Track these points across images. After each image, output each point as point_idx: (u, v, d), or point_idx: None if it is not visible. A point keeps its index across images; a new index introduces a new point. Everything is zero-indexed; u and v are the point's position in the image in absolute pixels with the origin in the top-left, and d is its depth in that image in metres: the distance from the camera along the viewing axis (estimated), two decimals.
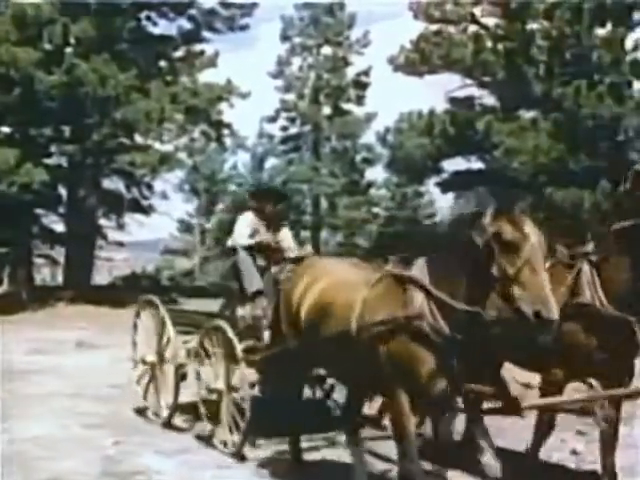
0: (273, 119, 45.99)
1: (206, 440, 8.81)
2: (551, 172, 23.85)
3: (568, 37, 23.50)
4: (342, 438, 8.30)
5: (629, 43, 24.04)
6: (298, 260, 8.77)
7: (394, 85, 60.23)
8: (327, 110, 45.12)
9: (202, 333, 8.96)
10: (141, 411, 10.31)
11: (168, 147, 30.73)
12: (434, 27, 28.67)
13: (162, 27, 31.74)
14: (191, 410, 9.66)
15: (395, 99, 53.63)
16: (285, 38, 45.89)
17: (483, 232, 5.48)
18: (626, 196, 20.86)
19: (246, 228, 9.32)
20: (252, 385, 8.51)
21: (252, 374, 8.47)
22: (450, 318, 5.75)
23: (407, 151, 29.52)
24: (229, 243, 9.49)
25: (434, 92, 53.33)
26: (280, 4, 45.43)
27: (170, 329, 9.70)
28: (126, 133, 29.12)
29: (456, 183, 29.97)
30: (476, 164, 28.78)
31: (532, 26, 25.30)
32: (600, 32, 23.90)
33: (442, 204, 48.97)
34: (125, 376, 11.17)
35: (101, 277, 38.58)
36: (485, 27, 27.26)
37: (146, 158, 28.46)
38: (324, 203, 45.27)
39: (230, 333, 8.44)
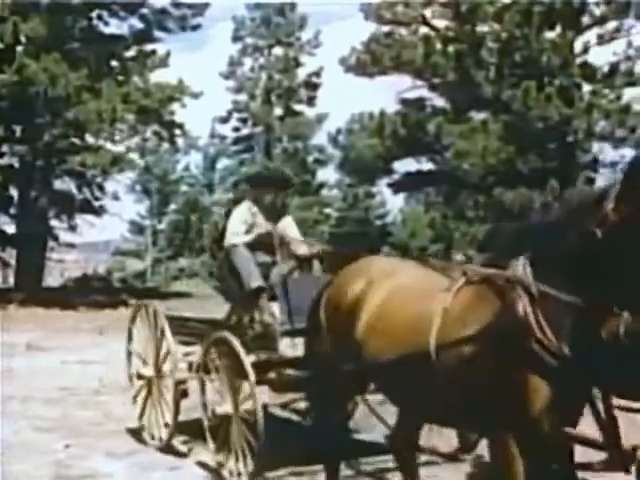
0: (225, 120, 46.07)
1: (212, 470, 7.83)
2: (501, 173, 24.09)
3: (518, 40, 23.68)
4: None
5: (578, 46, 24.43)
6: (309, 258, 8.35)
7: (345, 86, 60.23)
8: (279, 111, 45.29)
9: (206, 345, 8.00)
10: (135, 432, 9.31)
11: (120, 147, 30.58)
12: (385, 28, 28.80)
13: (113, 26, 31.40)
14: (192, 430, 8.66)
15: (346, 100, 53.79)
16: (237, 38, 46.01)
17: (604, 221, 4.29)
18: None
19: (241, 225, 8.31)
20: (264, 407, 7.56)
21: (267, 392, 7.85)
22: (561, 334, 4.52)
23: (358, 152, 29.65)
24: (225, 244, 8.34)
25: (385, 93, 53.62)
26: (232, 4, 45.49)
27: (170, 339, 8.67)
28: (77, 133, 28.92)
29: (407, 184, 30.08)
30: (427, 165, 28.90)
31: (482, 28, 25.46)
32: (549, 35, 24.11)
33: (393, 205, 49.33)
34: (75, 378, 11.11)
35: (53, 279, 38.19)
36: (435, 29, 27.39)
37: (97, 159, 28.28)
38: None
39: (237, 346, 7.48)
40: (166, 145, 34.44)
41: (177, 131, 31.95)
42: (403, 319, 5.40)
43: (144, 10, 31.35)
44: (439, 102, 28.16)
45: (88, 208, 31.51)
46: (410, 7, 28.02)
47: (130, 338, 9.52)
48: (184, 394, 8.57)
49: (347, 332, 5.82)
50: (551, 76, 23.64)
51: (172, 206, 50.96)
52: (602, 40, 24.36)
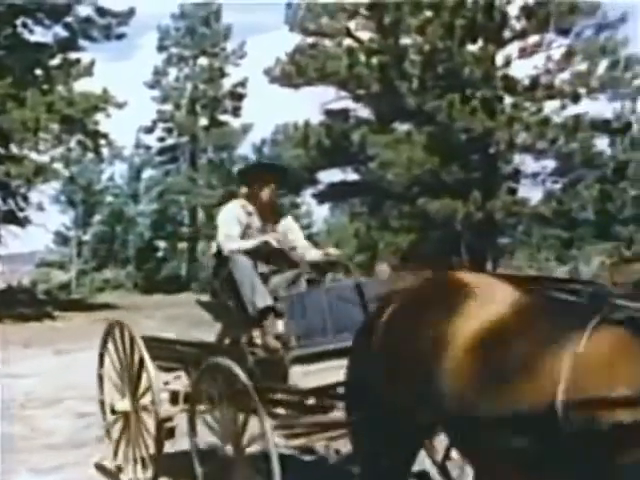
0: (150, 130, 45.74)
1: None
2: (425, 183, 24.33)
3: (440, 52, 23.96)
4: None
5: (500, 59, 24.78)
6: (328, 266, 7.17)
7: (270, 97, 60.28)
8: (204, 121, 45.15)
9: (197, 375, 6.80)
10: (109, 472, 7.96)
11: (44, 157, 30.10)
12: (310, 40, 28.90)
13: (38, 34, 30.99)
14: (178, 470, 7.27)
15: (271, 111, 53.90)
16: (162, 48, 45.75)
17: None
18: None
19: (235, 226, 6.94)
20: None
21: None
22: None
23: (283, 162, 29.70)
24: (213, 249, 7.12)
25: (310, 104, 53.82)
26: (157, 14, 45.27)
27: (150, 367, 7.33)
28: (1, 143, 28.50)
29: (332, 194, 30.21)
30: (351, 175, 29.07)
31: (405, 41, 25.74)
32: (472, 48, 24.45)
33: (319, 215, 49.48)
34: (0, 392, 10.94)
35: None
36: (360, 41, 27.61)
37: (21, 169, 27.86)
38: (201, 214, 45.12)
39: (241, 375, 6.20)
40: (91, 155, 34.01)
41: (102, 141, 31.55)
42: (510, 362, 4.01)
43: (69, 18, 30.96)
44: (363, 113, 28.41)
45: (12, 219, 31.00)
46: (334, 19, 28.18)
47: (101, 362, 8.21)
48: (170, 434, 7.32)
49: (422, 371, 4.38)
50: (474, 88, 23.95)
51: (97, 217, 50.40)
52: (523, 54, 24.75)
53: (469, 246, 24.37)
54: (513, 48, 24.86)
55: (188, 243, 45.18)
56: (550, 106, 24.54)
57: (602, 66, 24.18)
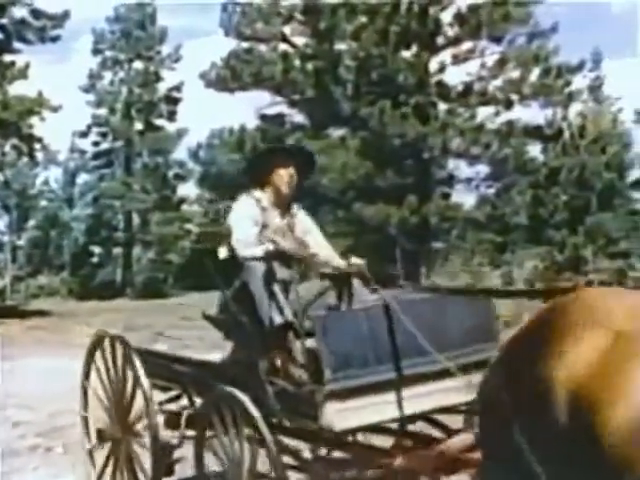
0: (85, 134, 45.21)
1: None
2: (360, 188, 24.39)
3: (374, 58, 24.02)
4: None
5: (433, 66, 24.95)
6: (346, 277, 5.81)
7: (206, 101, 60.17)
8: (139, 125, 44.69)
9: (205, 404, 5.78)
10: None
11: None
12: (245, 45, 28.83)
13: None
14: None
15: (207, 115, 53.68)
16: (96, 51, 45.23)
17: None
18: None
19: (250, 228, 5.81)
20: None
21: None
22: None
23: (219, 167, 29.67)
24: (222, 254, 5.94)
25: (245, 109, 53.65)
26: (93, 17, 44.84)
27: (146, 385, 6.20)
28: None
29: None
30: None
31: (340, 46, 25.75)
32: (406, 54, 24.57)
33: None
34: None
35: None
36: (295, 46, 27.61)
37: None
38: (136, 219, 44.68)
39: (258, 420, 5.10)
40: (25, 159, 33.70)
41: (36, 145, 31.20)
42: None
43: (3, 20, 30.59)
44: (298, 118, 28.38)
45: None
46: (269, 24, 28.13)
47: (87, 378, 7.07)
48: (169, 470, 6.23)
49: (580, 421, 3.14)
50: (408, 94, 24.06)
51: (31, 222, 49.80)
52: (456, 60, 24.96)
53: (404, 250, 24.45)
54: (447, 55, 25.11)
55: (123, 248, 44.67)
56: (484, 112, 24.85)
57: (534, 73, 24.50)
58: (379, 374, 5.07)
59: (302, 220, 6.14)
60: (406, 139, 23.52)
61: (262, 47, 28.69)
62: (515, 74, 24.47)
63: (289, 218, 6.04)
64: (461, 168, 25.67)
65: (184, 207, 45.91)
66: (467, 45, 24.83)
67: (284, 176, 5.96)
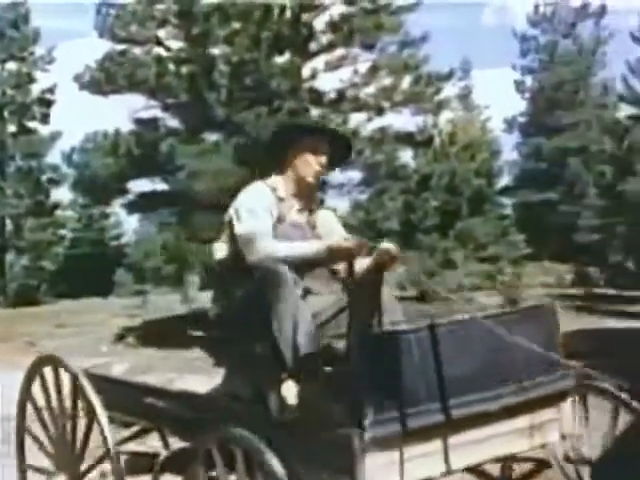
0: None
1: None
2: (233, 194, 24.17)
3: (248, 63, 23.98)
4: None
5: (306, 72, 25.03)
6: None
7: (80, 104, 59.23)
8: (12, 128, 43.77)
9: (200, 449, 4.48)
10: None
11: None
12: (120, 47, 28.45)
13: None
14: None
15: (81, 118, 52.95)
16: None
17: None
18: None
19: (266, 220, 4.85)
20: None
21: None
22: None
23: (93, 172, 29.15)
24: (219, 253, 5.02)
25: (120, 112, 52.95)
26: None
27: (104, 421, 5.10)
28: None
29: (141, 204, 29.73)
30: (161, 185, 28.73)
31: (214, 51, 25.65)
32: (279, 60, 24.60)
33: (130, 225, 48.94)
34: None
35: None
36: (169, 50, 27.39)
37: None
38: (9, 225, 43.67)
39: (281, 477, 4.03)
40: None
41: None
42: None
43: None
44: (173, 122, 28.09)
45: None
46: (144, 27, 27.83)
47: (23, 414, 5.87)
48: None
49: None
50: (281, 100, 24.09)
51: None
52: (329, 67, 25.10)
53: None
54: (319, 61, 25.20)
55: None
56: (356, 119, 25.01)
57: (405, 81, 24.80)
58: (429, 415, 4.13)
59: (325, 217, 5.25)
60: None
61: (137, 50, 28.33)
62: (387, 81, 24.74)
63: (310, 214, 5.15)
64: (334, 174, 25.80)
65: (58, 212, 45.17)
66: (340, 52, 24.99)
67: (312, 164, 5.00)
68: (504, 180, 40.89)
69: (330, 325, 4.72)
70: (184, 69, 26.02)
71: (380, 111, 24.70)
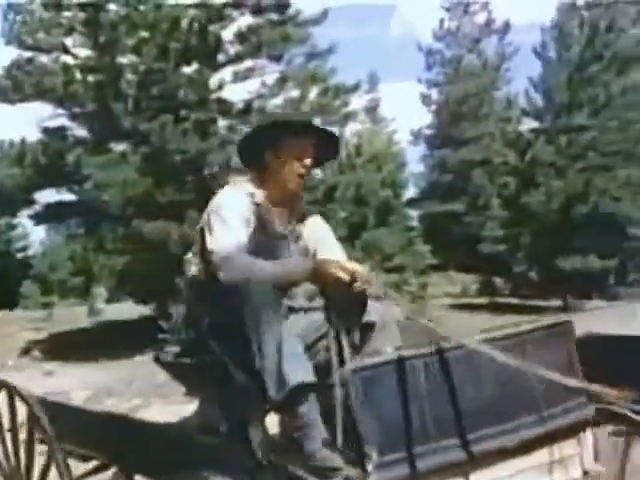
0: None
1: None
2: (140, 205, 24.23)
3: (155, 73, 23.97)
4: None
5: (214, 82, 25.09)
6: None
7: None
8: None
9: None
10: None
11: None
12: (27, 54, 28.14)
13: None
14: None
15: None
16: None
17: None
18: None
19: (241, 230, 4.21)
20: None
21: None
22: None
23: None
24: (191, 271, 4.42)
25: (27, 121, 52.45)
26: None
27: (59, 457, 4.44)
28: None
29: (48, 215, 29.42)
30: (68, 196, 28.48)
31: (122, 60, 25.55)
32: (187, 70, 24.64)
33: (37, 236, 48.30)
34: None
35: None
36: (76, 57, 27.17)
37: None
38: None
39: None
40: None
41: None
42: None
43: None
44: (80, 132, 27.87)
45: None
46: (51, 35, 27.58)
47: None
48: None
49: None
50: (188, 110, 24.12)
51: None
52: (237, 78, 25.24)
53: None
54: (227, 72, 25.37)
55: None
56: None
57: (313, 93, 25.04)
58: (442, 454, 3.62)
59: (314, 227, 4.54)
60: (187, 155, 23.57)
61: (44, 58, 28.04)
62: (294, 93, 25.01)
63: (295, 223, 4.48)
64: None
65: None
66: (247, 63, 25.20)
67: (296, 168, 4.33)
68: (410, 192, 41.50)
69: (319, 346, 4.11)
70: (91, 78, 25.87)
71: None
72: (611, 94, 32.60)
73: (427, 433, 3.56)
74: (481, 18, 37.45)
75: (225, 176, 5.05)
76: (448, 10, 38.14)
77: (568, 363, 4.09)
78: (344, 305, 3.90)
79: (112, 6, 24.87)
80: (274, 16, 24.81)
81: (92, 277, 26.20)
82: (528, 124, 35.45)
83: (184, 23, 23.96)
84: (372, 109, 41.99)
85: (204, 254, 4.22)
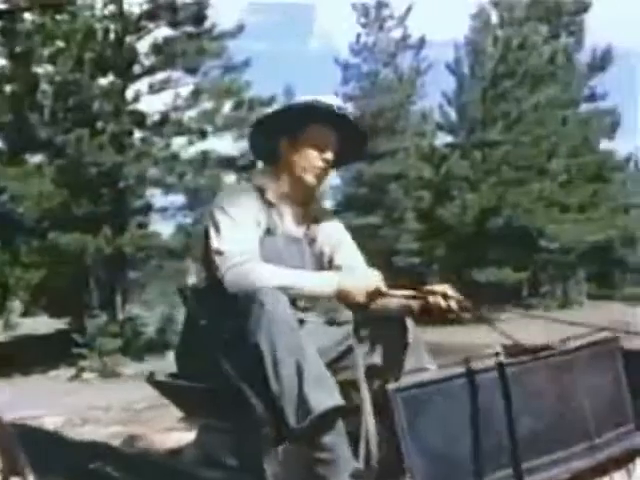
0: None
1: None
2: (56, 217, 24.05)
3: (71, 84, 23.85)
4: None
5: (130, 94, 25.06)
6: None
7: None
8: None
9: None
10: None
11: None
12: None
13: None
14: None
15: None
16: None
17: None
18: None
19: (251, 232, 3.71)
20: None
21: None
22: None
23: None
24: (192, 279, 4.42)
25: None
26: None
27: None
28: None
29: None
30: None
31: (38, 70, 25.36)
32: (102, 82, 24.56)
33: None
34: None
35: None
36: None
37: None
38: None
39: None
40: None
41: None
42: None
43: None
44: None
45: None
46: None
47: None
48: None
49: None
50: (104, 122, 24.04)
51: None
52: (152, 90, 25.20)
53: (98, 280, 24.40)
54: (143, 84, 25.32)
55: None
56: (178, 142, 25.19)
57: (227, 106, 25.18)
58: None
59: (330, 229, 4.10)
60: (102, 168, 23.48)
61: None
62: (208, 105, 25.05)
63: (309, 225, 4.03)
64: (157, 197, 25.87)
65: None
66: (162, 75, 25.20)
67: (315, 160, 3.84)
68: (327, 204, 41.72)
69: (340, 364, 3.64)
70: (7, 88, 25.62)
71: (202, 135, 24.93)
72: (523, 110, 33.30)
73: (481, 466, 2.97)
74: (397, 33, 37.79)
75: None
76: (364, 26, 38.41)
77: (618, 384, 3.63)
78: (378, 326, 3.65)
79: (28, 15, 24.62)
80: (190, 29, 24.84)
81: (7, 290, 25.82)
82: (443, 139, 36.07)
83: (99, 34, 23.87)
84: None
85: (209, 256, 3.67)
